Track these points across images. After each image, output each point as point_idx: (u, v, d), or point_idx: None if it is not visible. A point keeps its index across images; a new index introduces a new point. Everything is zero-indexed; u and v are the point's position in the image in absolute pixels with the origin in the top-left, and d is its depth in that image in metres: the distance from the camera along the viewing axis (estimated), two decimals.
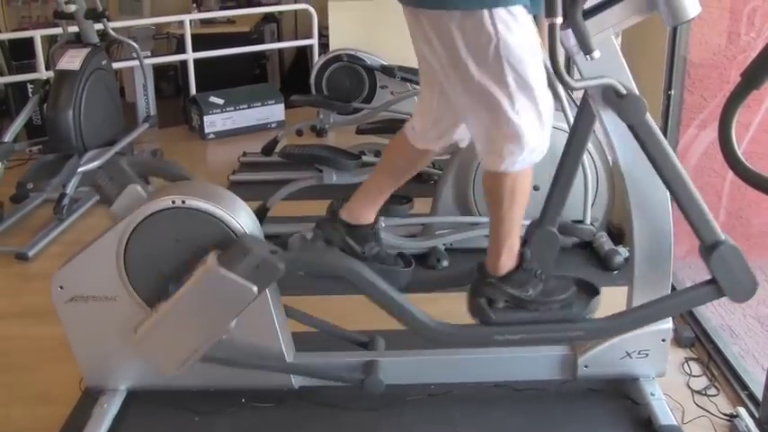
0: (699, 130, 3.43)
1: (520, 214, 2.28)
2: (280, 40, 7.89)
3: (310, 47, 6.52)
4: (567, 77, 1.92)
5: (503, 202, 2.24)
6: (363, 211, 2.55)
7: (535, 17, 2.13)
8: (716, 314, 3.00)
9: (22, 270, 3.63)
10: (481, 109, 2.16)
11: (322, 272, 2.43)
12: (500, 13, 2.04)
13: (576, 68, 2.07)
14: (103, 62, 4.68)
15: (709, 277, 2.17)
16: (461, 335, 2.33)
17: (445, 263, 3.42)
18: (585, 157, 3.29)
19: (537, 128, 2.14)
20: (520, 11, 2.08)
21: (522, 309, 2.31)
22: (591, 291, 2.37)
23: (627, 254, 3.23)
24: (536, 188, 2.39)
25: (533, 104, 2.11)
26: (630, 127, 2.06)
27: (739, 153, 1.89)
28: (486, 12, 2.03)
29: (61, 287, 2.25)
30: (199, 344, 2.18)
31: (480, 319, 2.31)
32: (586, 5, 1.97)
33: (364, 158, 3.92)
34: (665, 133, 3.20)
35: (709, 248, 2.13)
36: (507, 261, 2.32)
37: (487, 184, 2.29)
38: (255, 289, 2.10)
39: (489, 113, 2.14)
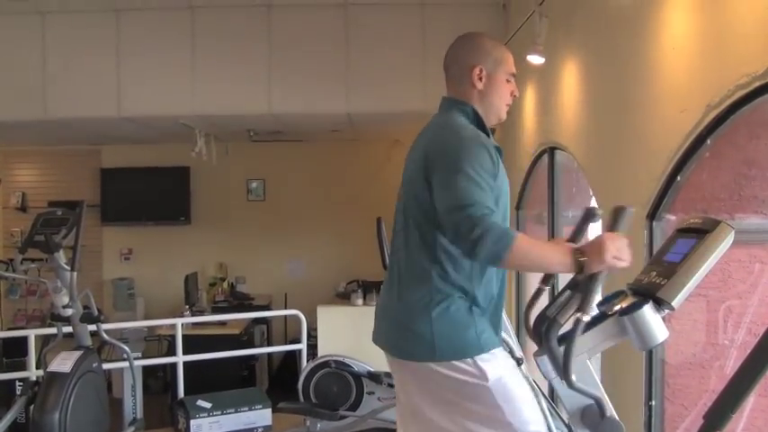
0: None
1: None
2: (269, 341, 8.02)
3: (299, 350, 6.61)
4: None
5: None
6: None
7: None
8: None
9: None
10: None
11: None
12: (482, 356, 2.25)
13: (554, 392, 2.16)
14: (94, 365, 4.74)
15: None
16: None
17: None
18: None
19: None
20: (498, 350, 2.30)
21: None
22: None
23: None
24: None
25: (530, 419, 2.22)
26: None
27: None
28: (470, 359, 2.24)
29: None
30: None
31: None
32: (560, 332, 2.09)
33: None
34: None
35: None
36: None
37: None
38: None
39: None
